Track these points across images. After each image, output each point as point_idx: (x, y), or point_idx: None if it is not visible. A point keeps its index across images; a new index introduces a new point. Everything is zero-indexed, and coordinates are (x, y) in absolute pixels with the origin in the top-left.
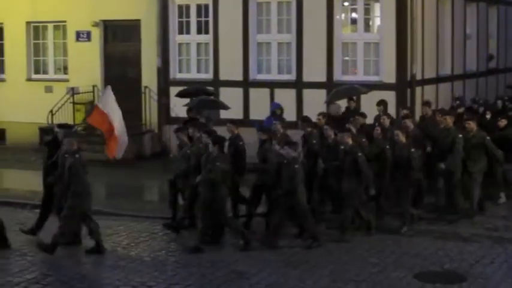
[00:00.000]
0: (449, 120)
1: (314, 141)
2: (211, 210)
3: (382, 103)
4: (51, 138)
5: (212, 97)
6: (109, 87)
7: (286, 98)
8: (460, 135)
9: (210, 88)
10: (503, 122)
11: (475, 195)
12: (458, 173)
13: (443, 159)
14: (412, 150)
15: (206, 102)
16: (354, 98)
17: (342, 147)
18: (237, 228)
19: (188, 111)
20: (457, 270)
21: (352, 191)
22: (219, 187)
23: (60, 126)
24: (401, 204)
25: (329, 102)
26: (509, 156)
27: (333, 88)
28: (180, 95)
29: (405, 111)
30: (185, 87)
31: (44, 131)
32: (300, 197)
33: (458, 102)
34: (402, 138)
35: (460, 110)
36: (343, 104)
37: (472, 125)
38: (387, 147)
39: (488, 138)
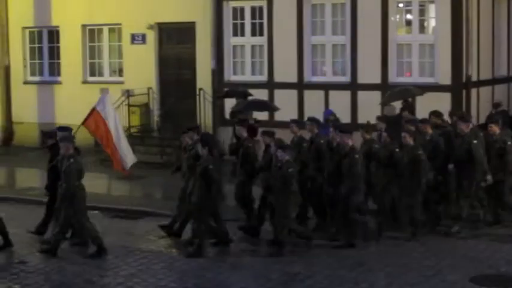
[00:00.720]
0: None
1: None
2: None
3: (407, 107)
4: (53, 142)
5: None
6: (107, 90)
7: (340, 100)
8: (475, 141)
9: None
10: None
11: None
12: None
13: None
14: (420, 152)
15: (255, 104)
16: (409, 99)
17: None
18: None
19: (236, 113)
20: None
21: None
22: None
23: (60, 129)
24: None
25: (384, 103)
26: None
27: (387, 90)
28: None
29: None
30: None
31: (47, 134)
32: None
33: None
34: (409, 140)
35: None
36: (398, 105)
37: (494, 128)
38: (396, 150)
39: (475, 142)
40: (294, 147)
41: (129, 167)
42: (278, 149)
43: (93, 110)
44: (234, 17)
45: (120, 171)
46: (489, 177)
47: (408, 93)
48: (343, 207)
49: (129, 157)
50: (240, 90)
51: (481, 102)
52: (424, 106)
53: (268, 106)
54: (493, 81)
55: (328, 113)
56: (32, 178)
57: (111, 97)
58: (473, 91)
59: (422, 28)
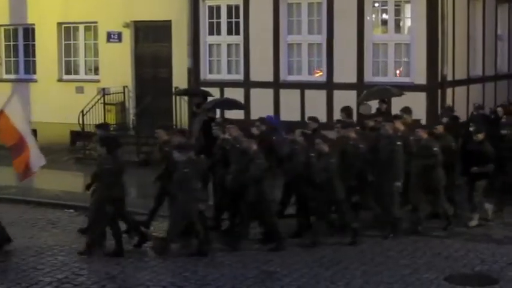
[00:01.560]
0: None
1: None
2: None
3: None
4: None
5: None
6: (15, 94)
7: (316, 99)
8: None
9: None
10: (479, 137)
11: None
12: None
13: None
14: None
15: (225, 103)
16: (386, 99)
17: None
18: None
19: (207, 111)
20: (488, 272)
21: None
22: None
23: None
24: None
25: (360, 102)
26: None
27: (363, 89)
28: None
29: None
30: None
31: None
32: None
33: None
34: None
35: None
36: (374, 105)
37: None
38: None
39: (398, 143)
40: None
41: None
42: (174, 150)
43: (1, 111)
44: (210, 16)
45: (22, 174)
46: (398, 184)
47: (387, 93)
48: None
49: (38, 159)
50: (200, 91)
51: (456, 102)
52: (399, 106)
53: (237, 105)
54: (468, 81)
55: (270, 118)
56: (9, 177)
57: (87, 95)
58: (449, 91)
59: (398, 28)
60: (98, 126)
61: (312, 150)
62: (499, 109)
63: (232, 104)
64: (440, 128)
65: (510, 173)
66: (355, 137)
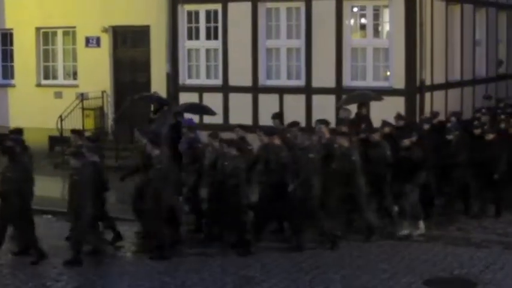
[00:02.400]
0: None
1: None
2: None
3: (277, 116)
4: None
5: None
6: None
7: (295, 104)
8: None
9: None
10: (406, 143)
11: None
12: None
13: None
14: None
15: (194, 107)
16: (365, 104)
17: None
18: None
19: (175, 115)
20: (466, 276)
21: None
22: None
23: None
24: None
25: (340, 106)
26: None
27: (342, 94)
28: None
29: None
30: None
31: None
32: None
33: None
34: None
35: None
36: (354, 110)
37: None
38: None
39: (353, 158)
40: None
41: None
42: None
43: None
44: (189, 21)
45: None
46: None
47: (365, 98)
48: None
49: None
50: (158, 99)
51: (434, 107)
52: (378, 110)
53: (206, 110)
54: (447, 86)
55: (189, 120)
56: None
57: (65, 100)
58: (427, 95)
59: (376, 32)
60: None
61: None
62: (453, 118)
63: (201, 109)
64: (376, 136)
65: (455, 182)
66: (279, 145)
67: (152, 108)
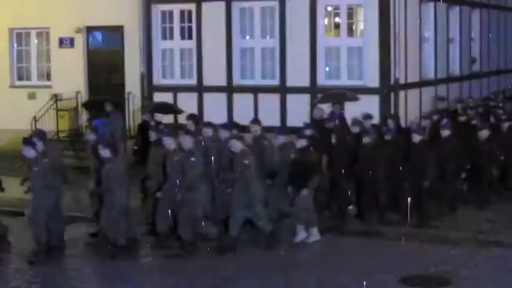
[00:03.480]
0: None
1: None
2: None
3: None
4: None
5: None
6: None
7: (269, 103)
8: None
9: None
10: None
11: None
12: None
13: None
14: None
15: (161, 106)
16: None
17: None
18: None
19: (142, 114)
20: (442, 273)
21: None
22: None
23: None
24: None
25: (315, 105)
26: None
27: (316, 93)
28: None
29: None
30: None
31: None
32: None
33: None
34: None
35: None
36: (327, 108)
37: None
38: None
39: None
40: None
41: None
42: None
43: None
44: (163, 21)
45: None
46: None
47: (341, 98)
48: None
49: None
50: (110, 99)
51: (409, 105)
52: (352, 109)
53: (173, 109)
54: (421, 84)
55: (98, 122)
56: None
57: (39, 101)
58: (401, 94)
59: (350, 31)
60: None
61: None
62: (390, 121)
63: (168, 108)
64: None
65: (369, 188)
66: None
67: (108, 109)
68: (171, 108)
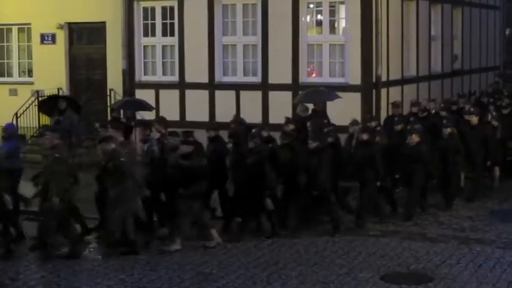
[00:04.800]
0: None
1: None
2: None
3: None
4: None
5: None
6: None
7: (252, 100)
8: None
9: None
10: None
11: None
12: None
13: None
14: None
15: (131, 103)
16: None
17: None
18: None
19: (112, 111)
20: (423, 270)
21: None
22: None
23: None
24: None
25: (297, 103)
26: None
27: (298, 90)
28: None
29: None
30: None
31: None
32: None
33: None
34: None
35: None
36: (311, 105)
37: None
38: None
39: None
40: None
41: None
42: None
43: None
44: (145, 17)
45: None
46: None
47: (320, 98)
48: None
49: None
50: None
51: (390, 102)
52: (334, 106)
53: (144, 106)
54: (403, 81)
55: (9, 125)
56: None
57: (20, 97)
58: (383, 91)
59: (332, 29)
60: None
61: None
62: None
63: (139, 105)
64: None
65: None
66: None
67: (62, 107)
68: (140, 105)
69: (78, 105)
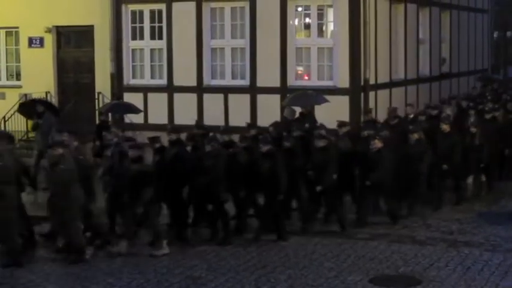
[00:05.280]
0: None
1: None
2: None
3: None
4: None
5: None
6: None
7: (240, 104)
8: None
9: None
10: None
11: None
12: None
13: None
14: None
15: (119, 106)
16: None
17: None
18: None
19: (100, 114)
20: (411, 273)
21: None
22: None
23: None
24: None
25: (285, 106)
26: None
27: (286, 93)
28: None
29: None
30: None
31: None
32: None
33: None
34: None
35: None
36: (298, 108)
37: None
38: None
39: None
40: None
41: None
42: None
43: None
44: (133, 21)
45: None
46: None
47: (310, 102)
48: None
49: None
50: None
51: (378, 105)
52: (322, 109)
53: (131, 109)
54: (391, 85)
55: None
56: None
57: (8, 101)
58: (371, 94)
59: (321, 32)
60: None
61: None
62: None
63: (127, 108)
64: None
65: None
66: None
67: (40, 110)
68: (128, 108)
69: (57, 109)
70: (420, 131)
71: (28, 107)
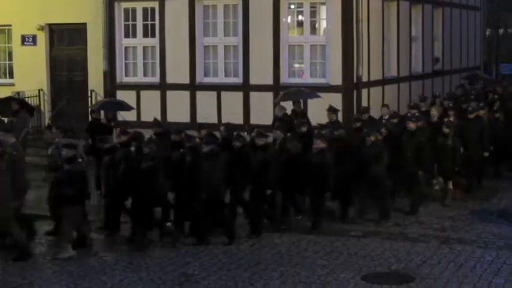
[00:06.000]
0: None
1: None
2: None
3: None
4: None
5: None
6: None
7: (233, 101)
8: None
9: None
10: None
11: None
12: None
13: None
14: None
15: (110, 104)
16: (301, 100)
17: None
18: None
19: (92, 112)
20: (404, 270)
21: None
22: None
23: None
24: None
25: (277, 103)
26: None
27: (279, 91)
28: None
29: None
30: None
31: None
32: None
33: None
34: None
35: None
36: (289, 106)
37: None
38: None
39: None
40: None
41: None
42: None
43: None
44: (126, 18)
45: None
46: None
47: (301, 95)
48: None
49: None
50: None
51: (371, 103)
52: (315, 106)
53: (123, 106)
54: (383, 82)
55: None
56: None
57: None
58: (364, 91)
59: (313, 29)
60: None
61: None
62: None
63: (119, 106)
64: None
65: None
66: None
67: (14, 108)
68: (120, 105)
69: (32, 108)
70: (382, 132)
71: (3, 104)
